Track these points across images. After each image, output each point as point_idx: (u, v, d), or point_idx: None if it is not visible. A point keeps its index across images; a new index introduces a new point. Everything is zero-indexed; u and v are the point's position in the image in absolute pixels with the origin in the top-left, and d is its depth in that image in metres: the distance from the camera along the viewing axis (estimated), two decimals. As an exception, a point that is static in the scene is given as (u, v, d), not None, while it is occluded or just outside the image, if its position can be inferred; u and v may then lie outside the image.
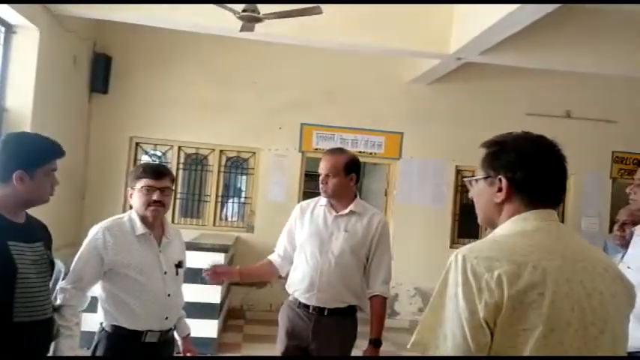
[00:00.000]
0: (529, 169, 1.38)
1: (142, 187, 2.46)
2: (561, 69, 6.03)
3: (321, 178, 2.74)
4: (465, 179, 1.44)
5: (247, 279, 3.05)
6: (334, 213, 2.77)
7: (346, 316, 2.74)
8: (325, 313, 2.69)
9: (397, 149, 7.09)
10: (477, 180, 1.46)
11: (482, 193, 1.44)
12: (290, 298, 2.79)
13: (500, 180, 1.40)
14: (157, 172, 2.51)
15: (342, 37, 5.35)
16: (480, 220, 1.47)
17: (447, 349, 1.25)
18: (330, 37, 5.36)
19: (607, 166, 7.34)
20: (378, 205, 7.29)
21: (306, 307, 2.71)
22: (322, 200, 2.83)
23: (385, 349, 5.88)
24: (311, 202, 2.90)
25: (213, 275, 2.81)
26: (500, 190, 1.39)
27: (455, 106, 7.13)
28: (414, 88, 7.03)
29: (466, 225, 7.33)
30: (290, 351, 2.74)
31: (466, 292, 1.24)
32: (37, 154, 2.00)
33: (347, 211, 2.76)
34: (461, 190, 7.30)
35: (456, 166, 7.20)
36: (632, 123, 7.20)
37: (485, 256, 1.26)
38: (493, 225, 1.43)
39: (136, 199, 2.49)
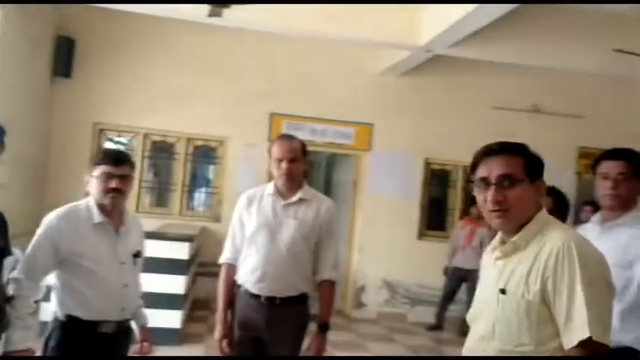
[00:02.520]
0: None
1: (100, 174, 2.37)
2: (529, 63, 6.09)
3: (284, 162, 2.67)
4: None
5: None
6: (283, 201, 2.73)
7: (298, 304, 2.72)
8: (277, 303, 2.67)
9: (367, 141, 7.08)
10: (520, 181, 1.58)
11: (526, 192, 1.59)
12: (241, 289, 2.74)
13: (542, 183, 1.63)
14: (116, 158, 2.43)
15: (312, 26, 5.31)
16: (512, 222, 1.59)
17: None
18: (300, 26, 5.31)
19: (572, 161, 7.48)
20: (347, 196, 7.30)
21: (258, 297, 2.67)
22: (269, 189, 2.77)
23: (350, 339, 5.94)
24: (257, 191, 2.84)
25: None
26: (539, 191, 1.62)
27: (424, 98, 7.16)
28: (385, 79, 7.03)
29: (434, 217, 7.40)
30: (244, 341, 2.71)
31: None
32: None
33: (296, 198, 2.72)
34: (430, 182, 7.35)
35: (425, 159, 7.24)
36: (599, 118, 7.34)
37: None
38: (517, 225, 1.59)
39: (94, 186, 2.40)
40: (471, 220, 6.64)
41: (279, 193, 2.75)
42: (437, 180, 7.44)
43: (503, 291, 1.55)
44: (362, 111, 7.03)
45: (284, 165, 2.67)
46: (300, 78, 6.86)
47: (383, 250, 6.99)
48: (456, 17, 4.57)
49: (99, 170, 2.38)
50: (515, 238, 1.58)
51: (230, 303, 2.77)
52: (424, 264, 6.97)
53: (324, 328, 2.70)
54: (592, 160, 2.40)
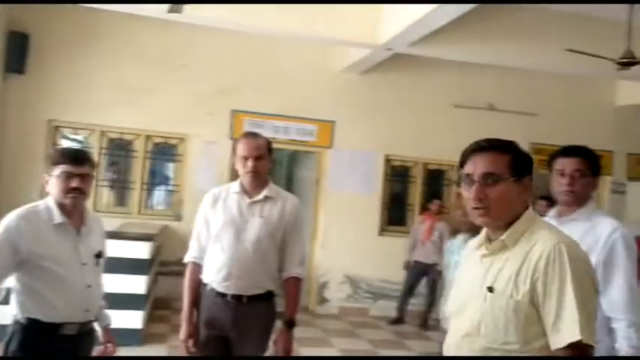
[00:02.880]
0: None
1: (60, 174, 2.32)
2: (486, 62, 6.26)
3: (250, 160, 2.66)
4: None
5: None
6: (248, 199, 2.72)
7: (265, 301, 2.73)
8: (244, 301, 2.66)
9: (329, 138, 7.13)
10: (501, 180, 1.58)
11: (509, 191, 1.59)
12: (207, 288, 2.73)
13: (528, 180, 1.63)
14: (77, 157, 2.37)
15: (272, 23, 5.29)
16: (494, 220, 1.61)
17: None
18: (261, 23, 5.29)
19: (526, 157, 7.71)
20: (309, 193, 7.34)
21: (224, 295, 2.67)
22: (234, 187, 2.77)
23: (314, 335, 5.98)
24: (222, 189, 2.83)
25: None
26: (525, 189, 1.62)
27: (385, 96, 7.25)
28: (346, 77, 7.09)
29: (394, 213, 7.51)
30: (210, 341, 2.69)
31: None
32: None
33: (261, 196, 2.72)
34: (390, 179, 7.46)
35: (386, 155, 7.34)
36: (551, 116, 7.60)
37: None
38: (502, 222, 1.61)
39: (54, 186, 2.34)
40: (430, 215, 6.78)
41: (245, 191, 2.75)
42: (397, 176, 7.56)
43: (490, 289, 1.55)
44: (324, 108, 7.07)
45: (250, 163, 2.66)
46: (261, 75, 6.84)
47: (345, 246, 7.05)
48: (416, 17, 4.65)
49: (58, 170, 2.32)
50: (503, 236, 1.59)
51: (195, 302, 2.75)
52: (385, 259, 7.07)
53: (290, 324, 2.71)
54: (545, 156, 2.48)
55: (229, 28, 5.65)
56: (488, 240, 1.66)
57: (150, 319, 5.66)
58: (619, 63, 4.88)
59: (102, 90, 6.44)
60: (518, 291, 1.51)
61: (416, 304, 6.86)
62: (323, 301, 7.11)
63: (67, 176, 2.32)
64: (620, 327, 2.12)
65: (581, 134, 6.63)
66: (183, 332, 2.71)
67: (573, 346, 1.44)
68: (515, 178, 1.59)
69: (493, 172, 1.57)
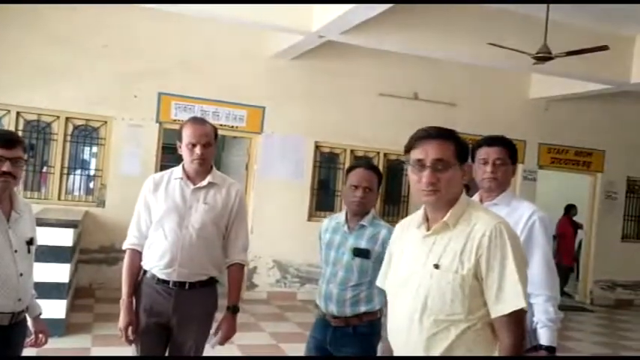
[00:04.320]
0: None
1: None
2: (413, 53, 6.46)
3: (198, 147, 2.61)
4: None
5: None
6: (192, 186, 2.69)
7: (207, 288, 2.72)
8: (186, 287, 2.64)
9: (259, 123, 7.10)
10: (450, 166, 1.72)
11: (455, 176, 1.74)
12: (147, 275, 2.68)
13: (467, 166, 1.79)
14: (8, 140, 2.24)
15: (204, 6, 5.17)
16: (441, 201, 1.74)
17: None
18: (192, 5, 5.15)
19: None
20: (239, 179, 7.28)
21: (166, 282, 2.63)
22: (177, 173, 2.72)
23: (245, 321, 6.00)
24: (164, 174, 2.77)
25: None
26: (465, 175, 1.77)
27: (315, 83, 7.32)
28: (277, 63, 7.07)
29: (323, 199, 7.63)
30: (151, 329, 2.65)
31: None
32: None
33: (205, 182, 2.69)
34: (319, 165, 7.56)
35: (315, 142, 7.42)
36: (470, 106, 7.99)
37: None
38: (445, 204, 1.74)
39: None
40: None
41: (189, 177, 2.70)
42: (326, 162, 7.67)
43: (437, 266, 1.69)
44: (254, 94, 7.03)
45: (198, 150, 2.61)
46: (190, 57, 6.69)
47: (274, 231, 7.09)
48: (349, 5, 4.74)
49: None
50: (445, 217, 1.72)
51: (134, 289, 2.69)
52: (313, 244, 7.11)
53: (234, 310, 2.72)
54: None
55: (154, 7, 5.47)
56: (426, 220, 1.79)
57: (72, 309, 5.45)
58: (535, 58, 5.21)
59: (18, 70, 6.06)
60: (463, 267, 1.66)
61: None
62: (252, 286, 7.13)
63: None
64: (539, 302, 2.30)
65: (497, 124, 7.05)
66: (122, 320, 2.65)
67: (515, 314, 1.64)
68: (459, 164, 1.74)
69: (443, 158, 1.71)
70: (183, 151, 2.67)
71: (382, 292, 2.87)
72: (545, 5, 5.16)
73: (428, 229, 1.76)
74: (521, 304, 1.62)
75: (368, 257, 2.71)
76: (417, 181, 1.74)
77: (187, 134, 2.64)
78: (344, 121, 7.43)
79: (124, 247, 2.74)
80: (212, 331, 2.74)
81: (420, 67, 7.52)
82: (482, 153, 2.49)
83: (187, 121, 2.73)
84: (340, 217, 2.86)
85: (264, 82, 7.07)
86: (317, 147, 7.47)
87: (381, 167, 7.88)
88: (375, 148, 7.74)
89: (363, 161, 2.98)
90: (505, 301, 1.64)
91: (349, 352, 2.68)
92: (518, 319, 1.65)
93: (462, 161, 1.76)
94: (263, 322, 6.06)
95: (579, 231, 9.11)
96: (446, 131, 1.76)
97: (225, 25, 6.33)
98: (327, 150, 7.64)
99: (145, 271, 2.69)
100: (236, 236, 2.76)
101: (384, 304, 2.74)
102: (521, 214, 2.41)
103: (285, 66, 7.11)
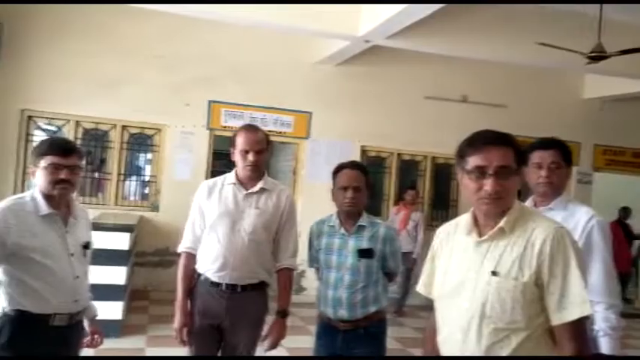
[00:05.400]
0: None
1: (47, 165, 2.29)
2: (461, 55, 6.38)
3: (251, 154, 2.68)
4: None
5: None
6: (244, 191, 2.75)
7: (258, 291, 2.77)
8: (238, 290, 2.70)
9: (305, 129, 7.18)
10: (513, 172, 1.68)
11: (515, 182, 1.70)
12: (201, 277, 2.75)
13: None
14: (65, 148, 2.35)
15: (250, 14, 5.28)
16: (503, 208, 1.69)
17: None
18: (238, 13, 5.28)
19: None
20: (287, 183, 7.38)
21: (219, 285, 2.70)
22: (230, 178, 2.79)
23: (293, 324, 6.03)
24: (217, 180, 2.84)
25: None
26: (520, 181, 1.73)
27: (360, 87, 7.33)
28: (323, 69, 7.14)
29: (370, 203, 7.58)
30: (204, 330, 2.73)
31: None
32: None
33: (257, 188, 2.74)
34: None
35: (361, 146, 7.43)
36: (521, 108, 7.80)
37: None
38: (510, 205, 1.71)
39: (41, 177, 2.32)
40: (405, 206, 6.90)
41: (241, 182, 2.77)
42: (372, 167, 7.66)
43: (495, 273, 1.64)
44: (300, 99, 7.11)
45: (251, 157, 2.68)
46: (239, 66, 6.84)
47: (322, 235, 7.11)
48: (395, 9, 4.73)
49: (46, 161, 2.30)
50: (502, 223, 1.67)
51: (189, 291, 2.77)
52: (361, 248, 7.16)
53: (283, 314, 2.75)
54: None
55: (207, 17, 5.64)
56: (475, 225, 1.74)
57: (128, 310, 5.65)
58: (589, 57, 5.05)
59: (77, 80, 6.35)
60: (523, 273, 1.61)
61: (391, 291, 6.98)
62: (301, 289, 7.18)
63: (55, 168, 2.29)
64: (599, 309, 2.21)
65: (549, 126, 6.86)
66: (177, 321, 2.73)
67: (579, 321, 1.59)
68: (517, 172, 1.70)
69: (506, 165, 1.66)
70: (236, 157, 2.73)
71: (387, 290, 2.86)
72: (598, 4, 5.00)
73: (480, 235, 1.71)
74: (586, 310, 1.58)
75: (372, 257, 2.71)
76: (476, 189, 1.67)
77: (241, 141, 2.70)
78: (390, 124, 7.40)
79: (179, 251, 2.83)
80: (263, 333, 2.79)
81: (467, 69, 7.41)
82: (536, 157, 2.41)
83: (241, 128, 2.80)
84: (331, 220, 2.84)
85: (310, 88, 7.14)
86: (363, 151, 7.48)
87: (428, 171, 7.83)
88: (422, 151, 7.67)
89: (347, 162, 2.98)
90: (569, 307, 1.58)
91: (362, 353, 2.68)
92: (583, 327, 1.61)
93: (519, 166, 1.71)
94: (311, 326, 6.08)
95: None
96: (506, 137, 1.70)
97: (272, 32, 6.44)
98: (373, 154, 7.63)
99: (200, 274, 2.76)
100: (286, 241, 2.80)
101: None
102: (579, 218, 2.33)
103: (331, 71, 7.16)
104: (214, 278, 2.70)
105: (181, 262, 2.81)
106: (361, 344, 2.69)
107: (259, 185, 2.76)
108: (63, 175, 2.31)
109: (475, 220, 1.74)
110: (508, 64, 6.96)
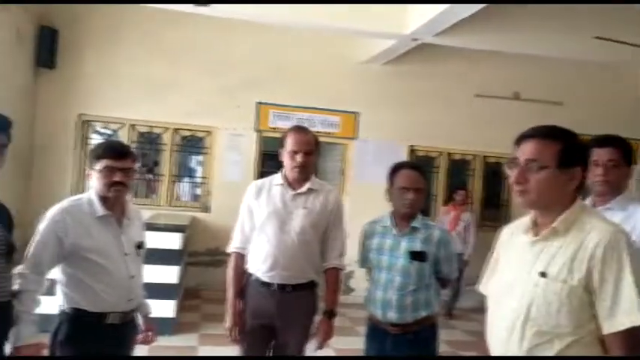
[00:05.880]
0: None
1: (103, 168, 2.37)
2: (511, 51, 6.21)
3: (300, 155, 2.71)
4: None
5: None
6: (292, 191, 2.78)
7: (307, 290, 2.78)
8: (288, 290, 2.73)
9: (353, 129, 7.16)
10: (544, 167, 1.61)
11: (552, 179, 1.61)
12: (252, 277, 2.79)
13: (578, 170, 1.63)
14: (119, 152, 2.43)
15: (296, 15, 5.31)
16: (532, 203, 1.65)
17: None
18: (285, 15, 5.31)
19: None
20: (334, 184, 7.38)
21: (269, 285, 2.73)
22: (277, 179, 2.82)
23: (341, 325, 6.04)
24: (265, 181, 2.87)
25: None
26: (574, 179, 1.63)
27: (408, 86, 7.25)
28: (369, 68, 7.09)
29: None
30: (256, 329, 2.76)
31: None
32: None
33: (305, 189, 2.77)
34: (414, 169, 7.45)
35: (410, 146, 7.34)
36: (577, 104, 7.51)
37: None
38: (548, 207, 1.64)
39: (97, 180, 2.40)
40: (455, 206, 6.77)
41: (289, 183, 2.80)
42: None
43: (543, 274, 1.58)
44: (348, 99, 7.09)
45: (299, 157, 2.71)
46: (286, 67, 6.89)
47: (370, 236, 7.08)
48: (442, 6, 4.65)
49: (102, 164, 2.38)
50: (555, 223, 1.61)
51: (240, 291, 2.81)
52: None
53: (330, 314, 2.77)
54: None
55: (254, 20, 5.70)
56: (535, 225, 1.69)
57: (180, 309, 5.78)
58: (649, 50, 4.81)
59: (130, 84, 6.55)
60: (572, 276, 1.54)
61: (441, 293, 6.87)
62: (349, 290, 7.16)
63: (110, 170, 2.37)
64: None
65: (608, 123, 6.54)
66: (228, 321, 2.77)
67: (631, 330, 1.49)
68: (560, 167, 1.61)
69: (535, 159, 1.61)
70: (285, 158, 2.76)
71: (439, 294, 2.80)
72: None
73: (536, 235, 1.66)
74: (638, 320, 1.48)
75: (425, 260, 2.66)
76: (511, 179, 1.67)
77: (290, 142, 2.74)
78: (439, 124, 7.29)
79: (228, 251, 2.87)
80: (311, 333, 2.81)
81: (520, 65, 7.20)
82: (594, 154, 2.33)
83: (290, 129, 2.83)
84: (384, 220, 2.81)
85: (357, 88, 7.12)
86: (412, 151, 7.39)
87: (479, 171, 7.65)
88: (473, 150, 7.52)
89: (405, 162, 2.95)
90: (619, 316, 1.50)
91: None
92: (635, 337, 1.50)
93: (569, 164, 1.61)
94: (360, 327, 6.06)
95: None
96: (550, 130, 1.64)
97: (318, 33, 6.45)
98: (422, 154, 7.53)
99: (250, 274, 2.80)
100: (334, 240, 2.82)
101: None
102: (637, 219, 2.23)
103: (378, 71, 7.11)
104: (265, 278, 2.74)
105: (231, 262, 2.85)
106: (411, 349, 2.65)
107: (307, 186, 2.78)
108: (117, 177, 2.38)
109: (536, 220, 1.70)
110: (563, 60, 6.72)
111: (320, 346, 2.77)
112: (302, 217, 2.74)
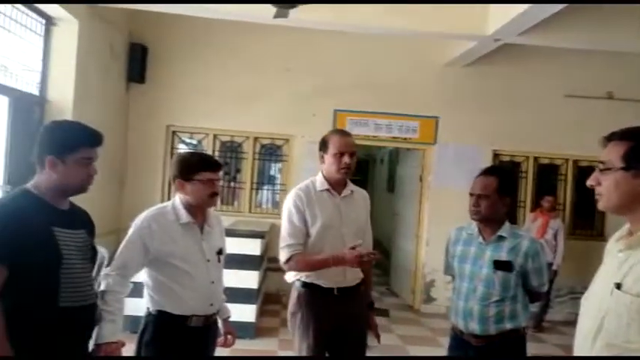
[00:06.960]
0: None
1: (205, 180, 2.50)
2: (602, 49, 5.85)
3: (346, 156, 2.73)
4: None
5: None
6: (338, 196, 2.83)
7: (360, 288, 2.87)
8: (349, 292, 2.79)
9: (432, 134, 7.01)
10: (610, 169, 1.55)
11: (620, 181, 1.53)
12: (312, 285, 2.79)
13: None
14: (217, 164, 2.60)
15: (375, 21, 5.29)
16: (606, 208, 1.60)
17: None
18: (363, 22, 5.32)
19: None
20: (412, 190, 7.27)
21: (331, 290, 2.76)
22: (320, 184, 2.82)
23: (422, 334, 5.92)
24: (307, 186, 2.83)
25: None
26: None
27: (491, 88, 7.01)
28: (449, 71, 6.93)
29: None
30: (318, 336, 2.76)
31: None
32: (67, 141, 2.00)
33: (348, 192, 2.86)
34: (498, 174, 7.18)
35: (493, 150, 7.09)
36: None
37: None
38: (623, 212, 1.57)
39: (197, 190, 2.49)
40: (542, 213, 6.46)
41: (333, 187, 2.82)
42: (506, 172, 7.26)
43: (618, 285, 1.49)
44: (427, 104, 6.96)
45: (346, 159, 2.74)
46: (362, 73, 6.87)
47: (451, 244, 6.89)
48: (525, 5, 4.45)
49: (202, 176, 2.49)
50: None
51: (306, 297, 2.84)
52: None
53: (371, 306, 2.97)
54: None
55: (332, 29, 5.74)
56: (630, 234, 1.59)
57: (261, 313, 5.90)
58: None
59: (214, 96, 6.80)
60: None
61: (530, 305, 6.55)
62: (429, 299, 7.01)
63: (212, 182, 2.52)
64: None
65: None
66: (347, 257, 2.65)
67: None
68: (627, 169, 1.51)
69: (604, 160, 1.56)
70: (329, 160, 2.78)
71: (528, 308, 2.64)
72: None
73: (627, 243, 1.56)
74: None
75: (510, 270, 2.53)
76: None
77: (335, 144, 2.76)
78: (524, 127, 6.98)
79: (287, 257, 2.80)
80: None
81: (612, 63, 6.76)
82: None
83: (332, 132, 2.92)
84: (471, 227, 2.72)
85: (436, 92, 6.97)
86: (495, 155, 7.13)
87: (569, 175, 7.24)
88: (562, 154, 7.14)
89: (487, 167, 2.85)
90: None
91: None
92: None
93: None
94: (441, 337, 5.91)
95: None
96: (625, 131, 1.55)
97: (393, 37, 6.38)
98: (506, 158, 7.24)
99: (306, 283, 2.81)
100: (369, 237, 2.95)
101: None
102: None
103: (458, 73, 6.93)
104: (327, 285, 2.77)
105: (300, 258, 2.75)
106: None
107: (349, 189, 2.87)
108: (216, 189, 2.55)
109: (630, 227, 1.60)
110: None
111: (379, 338, 2.90)
112: (352, 222, 2.83)
